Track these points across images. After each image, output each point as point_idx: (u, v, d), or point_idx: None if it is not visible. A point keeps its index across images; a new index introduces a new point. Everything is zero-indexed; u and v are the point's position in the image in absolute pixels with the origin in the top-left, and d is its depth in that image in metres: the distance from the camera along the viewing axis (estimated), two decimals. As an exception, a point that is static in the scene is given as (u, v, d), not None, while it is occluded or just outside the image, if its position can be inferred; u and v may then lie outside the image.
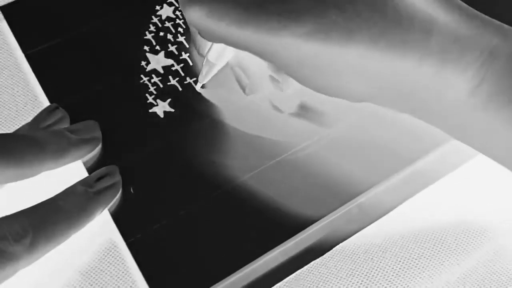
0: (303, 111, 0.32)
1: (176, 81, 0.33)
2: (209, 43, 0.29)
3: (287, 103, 0.32)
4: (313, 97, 0.31)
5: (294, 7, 0.22)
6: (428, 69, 0.23)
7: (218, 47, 0.29)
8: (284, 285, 0.29)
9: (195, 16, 0.24)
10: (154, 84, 0.33)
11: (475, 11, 0.24)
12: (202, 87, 0.32)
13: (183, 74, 0.33)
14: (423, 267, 0.29)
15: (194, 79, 0.33)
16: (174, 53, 0.34)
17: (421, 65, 0.22)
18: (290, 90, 0.32)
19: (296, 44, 0.23)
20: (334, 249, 0.29)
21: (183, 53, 0.34)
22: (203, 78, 0.31)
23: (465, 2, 0.24)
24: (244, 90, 0.32)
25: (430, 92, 0.23)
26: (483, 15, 0.24)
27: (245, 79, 0.31)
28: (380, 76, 0.23)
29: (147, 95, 0.32)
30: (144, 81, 0.33)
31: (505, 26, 0.23)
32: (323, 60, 0.23)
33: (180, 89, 0.33)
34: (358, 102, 0.26)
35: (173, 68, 0.33)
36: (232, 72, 0.32)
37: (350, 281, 0.29)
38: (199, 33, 0.25)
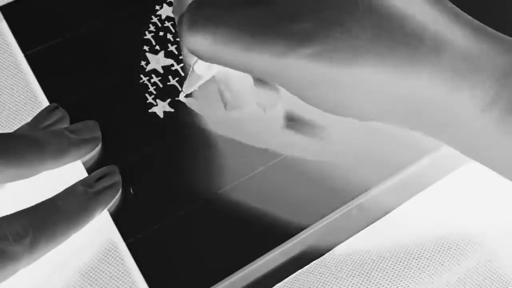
0: (293, 122, 0.32)
1: (176, 81, 0.33)
2: None
3: (274, 115, 0.32)
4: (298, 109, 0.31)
5: (299, 29, 0.22)
6: (438, 87, 0.22)
7: None
8: (284, 285, 0.29)
9: (198, 44, 0.23)
10: (154, 84, 0.33)
11: (487, 27, 0.23)
12: (186, 96, 0.32)
13: (183, 74, 0.33)
14: (423, 268, 0.29)
15: (194, 79, 0.33)
16: (174, 53, 0.34)
17: (431, 83, 0.22)
18: (271, 112, 0.31)
19: (303, 65, 0.22)
20: (334, 249, 0.29)
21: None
22: (188, 89, 0.31)
23: (465, 3, 0.24)
24: (225, 106, 0.31)
25: (441, 109, 0.23)
26: (495, 32, 0.23)
27: (227, 94, 0.31)
28: (389, 94, 0.23)
29: (146, 95, 0.32)
30: (144, 81, 0.33)
31: None
32: (331, 80, 0.23)
33: (180, 89, 0.33)
34: (367, 121, 0.25)
35: (173, 68, 0.33)
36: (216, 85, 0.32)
37: (350, 281, 0.28)
38: (198, 56, 0.24)
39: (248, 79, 0.30)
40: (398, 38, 0.22)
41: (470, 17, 0.23)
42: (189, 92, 0.31)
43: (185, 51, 0.30)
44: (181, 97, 0.32)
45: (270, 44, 0.22)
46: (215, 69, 0.29)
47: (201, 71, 0.29)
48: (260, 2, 0.22)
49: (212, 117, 0.32)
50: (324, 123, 0.32)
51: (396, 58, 0.22)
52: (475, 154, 0.25)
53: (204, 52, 0.24)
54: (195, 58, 0.29)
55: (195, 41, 0.23)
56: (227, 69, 0.27)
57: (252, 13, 0.22)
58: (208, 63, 0.28)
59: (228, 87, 0.30)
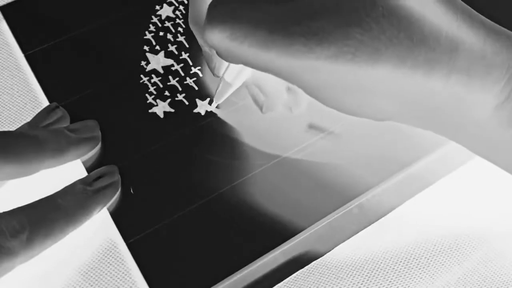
0: (314, 129, 0.32)
1: (176, 81, 0.33)
2: (226, 63, 0.29)
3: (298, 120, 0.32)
4: (322, 117, 0.31)
5: (318, 28, 0.22)
6: (454, 87, 0.22)
7: (235, 67, 0.28)
8: (284, 285, 0.29)
9: (216, 38, 0.23)
10: (154, 84, 0.33)
11: (500, 26, 0.23)
12: (217, 107, 0.32)
13: (183, 74, 0.33)
14: (423, 268, 0.29)
15: (195, 79, 0.33)
16: (174, 53, 0.34)
17: (447, 82, 0.22)
18: (298, 111, 0.32)
19: (322, 66, 0.22)
20: (334, 249, 0.29)
21: (183, 53, 0.34)
22: (219, 98, 0.31)
23: (477, 4, 0.24)
24: (261, 109, 0.31)
25: (456, 109, 0.23)
26: (508, 31, 0.23)
27: (261, 97, 0.31)
28: (407, 94, 0.23)
29: (147, 95, 0.32)
30: (144, 81, 0.33)
31: None
32: (350, 81, 0.22)
33: (180, 89, 0.33)
34: (382, 121, 0.25)
35: (173, 68, 0.33)
36: (247, 91, 0.32)
37: (351, 281, 0.28)
38: (217, 54, 0.25)
39: (279, 80, 0.30)
40: (417, 39, 0.22)
41: (483, 17, 0.23)
42: (220, 102, 0.31)
43: (214, 61, 0.30)
44: (213, 108, 0.32)
45: (288, 44, 0.22)
46: (245, 76, 0.29)
47: (231, 79, 0.29)
48: (281, 0, 0.22)
49: (244, 123, 0.32)
50: (333, 122, 0.32)
51: (414, 59, 0.22)
52: (487, 153, 0.25)
53: (222, 48, 0.24)
54: (224, 68, 0.29)
55: (214, 35, 0.23)
56: (258, 72, 0.27)
57: (272, 10, 0.22)
58: (237, 71, 0.28)
59: (262, 90, 0.30)
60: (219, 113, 0.32)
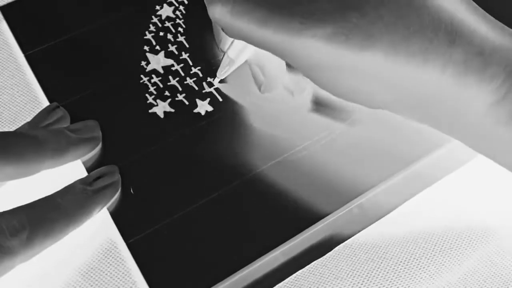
0: (319, 106, 0.32)
1: (176, 81, 0.33)
2: (231, 39, 0.30)
3: (302, 99, 0.33)
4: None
5: (316, 9, 0.22)
6: (450, 80, 0.22)
7: (239, 44, 0.29)
8: (285, 285, 0.29)
9: (218, 13, 0.24)
10: (154, 84, 0.33)
11: (502, 24, 0.23)
12: (220, 82, 0.33)
13: (183, 74, 0.33)
14: (424, 268, 0.29)
15: (195, 79, 0.33)
16: (174, 53, 0.34)
17: (443, 75, 0.22)
18: (300, 97, 0.32)
19: (317, 46, 0.22)
20: (334, 249, 0.29)
21: (183, 53, 0.34)
22: (222, 74, 0.32)
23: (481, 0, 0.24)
24: (259, 88, 0.32)
25: (451, 103, 0.23)
26: (509, 28, 0.23)
27: (261, 77, 0.31)
28: (400, 84, 0.23)
29: (147, 95, 0.32)
30: (144, 81, 0.33)
31: None
32: (343, 64, 0.23)
33: (180, 89, 0.33)
34: (375, 109, 0.25)
35: (173, 68, 0.33)
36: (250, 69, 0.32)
37: (351, 282, 0.28)
38: (222, 29, 0.25)
39: (281, 62, 0.30)
40: (414, 29, 0.22)
41: (485, 13, 0.23)
42: (223, 78, 0.32)
43: (219, 36, 0.31)
44: (215, 83, 0.33)
45: (286, 21, 0.22)
46: (248, 54, 0.30)
47: (234, 56, 0.30)
48: None
49: (245, 101, 0.32)
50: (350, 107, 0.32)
51: (409, 48, 0.22)
52: (485, 149, 0.25)
53: (224, 22, 0.24)
54: (229, 43, 0.30)
55: (216, 9, 0.24)
56: (260, 52, 0.28)
57: None
58: (240, 48, 0.29)
59: (262, 69, 0.30)
60: (222, 88, 0.33)
